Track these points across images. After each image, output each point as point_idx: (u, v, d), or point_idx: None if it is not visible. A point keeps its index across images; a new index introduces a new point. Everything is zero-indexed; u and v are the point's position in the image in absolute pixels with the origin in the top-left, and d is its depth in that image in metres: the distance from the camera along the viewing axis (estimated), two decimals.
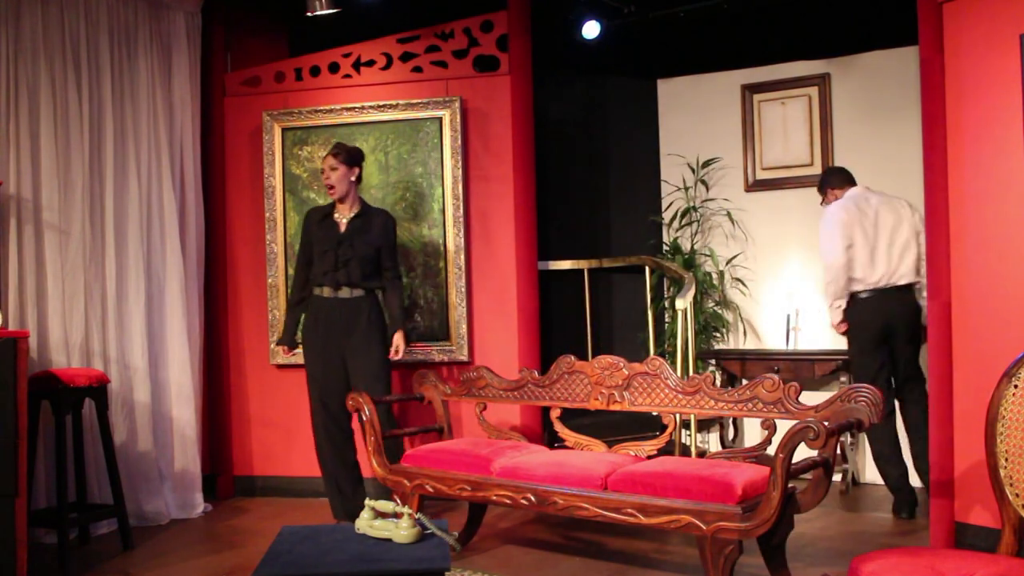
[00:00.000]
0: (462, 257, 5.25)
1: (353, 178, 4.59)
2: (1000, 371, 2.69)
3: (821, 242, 4.91)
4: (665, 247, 6.23)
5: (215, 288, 5.55)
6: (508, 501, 3.83)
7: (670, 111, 6.34)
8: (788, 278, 5.88)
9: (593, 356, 4.56)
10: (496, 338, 5.24)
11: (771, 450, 3.36)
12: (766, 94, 5.96)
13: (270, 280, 5.44)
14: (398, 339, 4.57)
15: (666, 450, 4.33)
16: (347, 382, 4.56)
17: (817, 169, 5.73)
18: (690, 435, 5.58)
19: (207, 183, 5.51)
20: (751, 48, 5.92)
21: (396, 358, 4.61)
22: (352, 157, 4.58)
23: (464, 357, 5.22)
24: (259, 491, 5.51)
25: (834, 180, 5.11)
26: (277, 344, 4.88)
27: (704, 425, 5.91)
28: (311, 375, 4.63)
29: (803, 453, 3.28)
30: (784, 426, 3.29)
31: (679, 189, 6.14)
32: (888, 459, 4.78)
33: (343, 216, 4.60)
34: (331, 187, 4.55)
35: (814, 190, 5.43)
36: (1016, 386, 2.61)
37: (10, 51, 4.46)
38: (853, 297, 4.86)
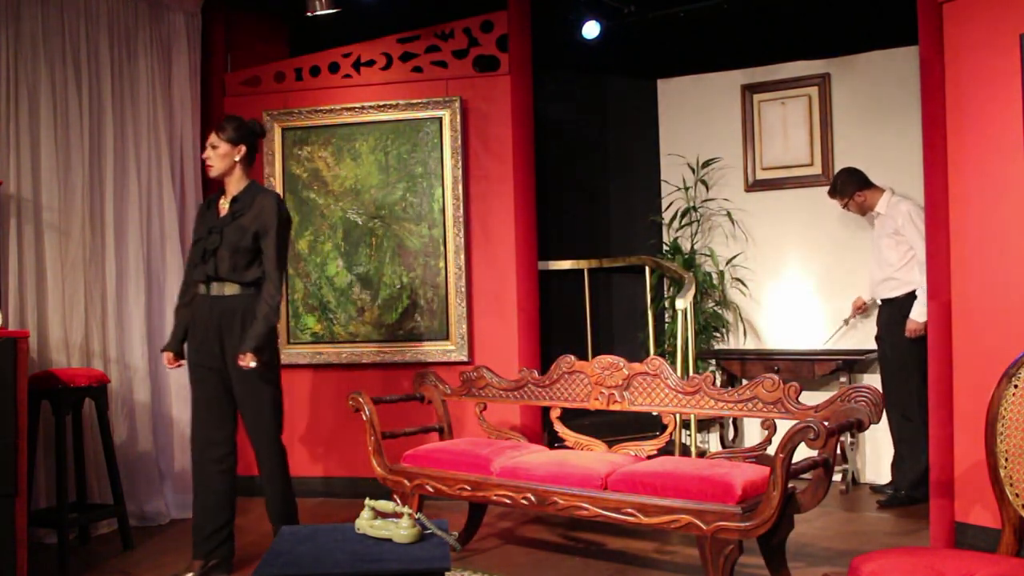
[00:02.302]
0: (462, 257, 5.25)
1: (238, 157, 3.95)
2: (1000, 371, 2.69)
3: (922, 233, 4.77)
4: (665, 247, 6.23)
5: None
6: (508, 501, 3.83)
7: (670, 111, 6.33)
8: (788, 278, 5.88)
9: (593, 356, 4.56)
10: (496, 338, 5.24)
11: (771, 450, 3.36)
12: (766, 94, 5.96)
13: None
14: (244, 359, 3.78)
15: (666, 450, 4.32)
16: (222, 395, 3.95)
17: (817, 169, 5.73)
18: (690, 435, 5.58)
19: (207, 183, 5.50)
20: (751, 48, 5.92)
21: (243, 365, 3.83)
22: (240, 133, 3.96)
23: (464, 357, 5.22)
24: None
25: (860, 181, 5.12)
26: (162, 351, 4.19)
27: (704, 425, 5.90)
28: (191, 385, 4.07)
29: (803, 453, 3.29)
30: (784, 426, 3.29)
31: (679, 189, 6.14)
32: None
33: (226, 201, 4.01)
34: (209, 166, 4.00)
35: (814, 190, 5.43)
36: (1016, 386, 2.61)
37: (10, 51, 4.46)
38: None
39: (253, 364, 3.80)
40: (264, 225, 3.88)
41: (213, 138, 3.96)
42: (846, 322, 5.53)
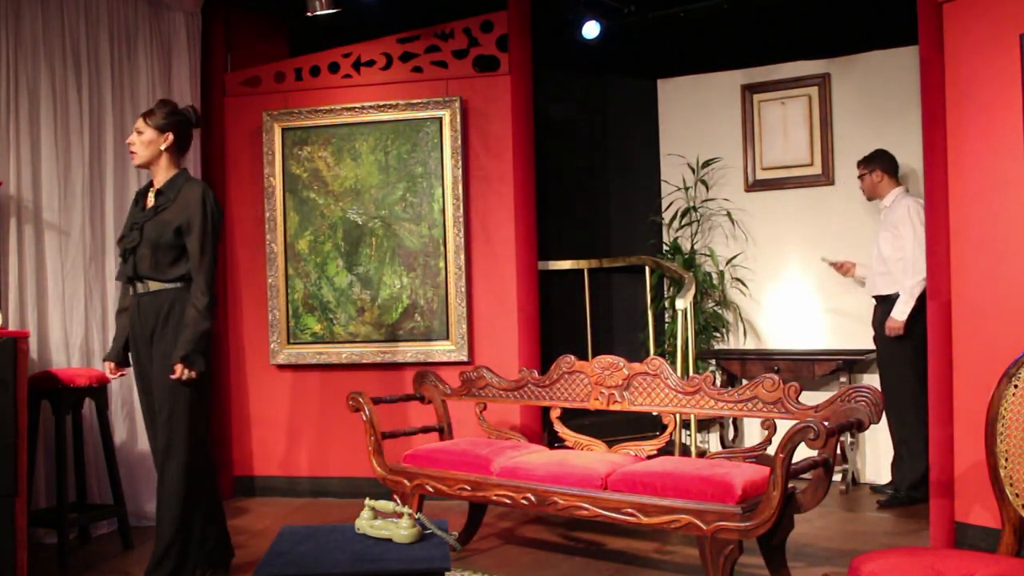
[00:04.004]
0: (462, 257, 5.25)
1: (164, 146, 3.61)
2: (1000, 371, 2.69)
3: (916, 233, 4.81)
4: (665, 247, 6.23)
5: (215, 288, 5.53)
6: (508, 501, 3.83)
7: (670, 111, 6.34)
8: (788, 278, 5.88)
9: (593, 356, 4.56)
10: (496, 338, 5.24)
11: (771, 450, 3.36)
12: (766, 94, 5.96)
13: (270, 280, 5.45)
14: (177, 371, 3.45)
15: (666, 450, 4.33)
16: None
17: (817, 169, 5.74)
18: (690, 435, 5.58)
19: (207, 183, 5.49)
20: (751, 48, 5.92)
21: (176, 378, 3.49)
22: (170, 120, 3.63)
23: (464, 357, 5.22)
24: (259, 491, 5.52)
25: (888, 165, 5.11)
26: (103, 360, 3.94)
27: (704, 425, 5.91)
28: (137, 394, 3.81)
29: (803, 453, 3.29)
30: (784, 426, 3.29)
31: (679, 189, 6.14)
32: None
33: (152, 194, 3.68)
34: (132, 153, 3.67)
35: (814, 190, 5.42)
36: (1016, 386, 2.61)
37: (10, 51, 4.46)
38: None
39: (187, 376, 3.46)
40: (189, 219, 3.53)
41: (139, 123, 3.66)
42: (824, 259, 5.49)
